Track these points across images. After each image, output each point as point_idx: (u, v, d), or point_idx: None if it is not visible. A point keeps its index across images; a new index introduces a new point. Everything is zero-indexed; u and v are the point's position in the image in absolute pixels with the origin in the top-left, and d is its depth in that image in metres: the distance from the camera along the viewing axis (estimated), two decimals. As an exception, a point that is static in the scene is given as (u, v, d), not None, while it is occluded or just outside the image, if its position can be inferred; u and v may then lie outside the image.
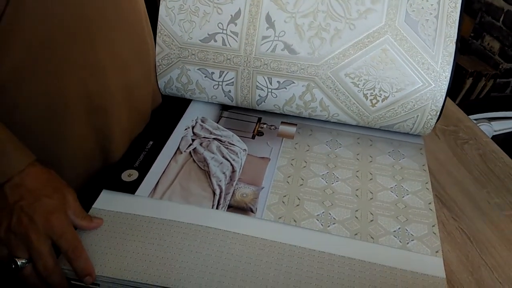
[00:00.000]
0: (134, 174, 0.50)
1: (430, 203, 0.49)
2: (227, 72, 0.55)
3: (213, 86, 0.57)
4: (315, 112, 0.57)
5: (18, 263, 0.37)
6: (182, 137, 0.56)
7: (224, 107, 0.63)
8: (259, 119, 0.61)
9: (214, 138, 0.56)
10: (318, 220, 0.46)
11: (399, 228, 0.46)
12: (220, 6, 0.53)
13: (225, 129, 0.58)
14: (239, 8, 0.53)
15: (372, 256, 0.43)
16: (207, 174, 0.51)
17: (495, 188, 0.55)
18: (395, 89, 0.52)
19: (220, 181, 0.50)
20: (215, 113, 0.61)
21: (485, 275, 0.44)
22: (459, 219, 0.50)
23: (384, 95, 0.52)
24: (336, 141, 0.58)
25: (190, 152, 0.54)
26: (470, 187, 0.55)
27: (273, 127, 0.60)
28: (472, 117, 1.18)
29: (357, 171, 0.53)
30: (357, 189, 0.50)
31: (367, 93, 0.53)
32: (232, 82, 0.56)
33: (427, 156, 0.57)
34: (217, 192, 0.49)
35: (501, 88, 1.74)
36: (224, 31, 0.53)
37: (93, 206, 0.45)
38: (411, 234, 0.45)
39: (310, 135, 0.58)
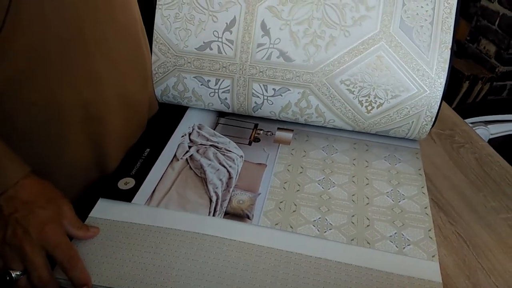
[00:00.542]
0: (131, 182, 0.50)
1: (426, 208, 0.49)
2: (223, 80, 0.56)
3: (209, 94, 0.58)
4: (311, 118, 0.57)
5: (13, 275, 0.37)
6: (179, 144, 0.56)
7: (220, 114, 0.63)
8: (256, 125, 0.61)
9: (210, 145, 0.56)
10: (314, 226, 0.46)
11: (395, 233, 0.46)
12: (215, 14, 0.53)
13: (222, 136, 0.58)
14: (234, 16, 0.53)
15: (368, 261, 0.43)
16: (204, 181, 0.51)
17: (492, 192, 0.55)
18: (390, 95, 0.52)
19: (216, 188, 0.50)
20: (211, 120, 0.62)
21: (482, 279, 0.44)
22: (455, 223, 0.50)
23: (379, 102, 0.53)
24: (333, 146, 0.58)
25: (186, 159, 0.54)
26: (466, 191, 0.55)
27: (269, 133, 0.60)
28: (469, 120, 1.18)
29: (354, 176, 0.53)
30: (353, 194, 0.50)
31: (362, 100, 0.53)
32: (228, 89, 0.56)
33: (423, 160, 0.57)
34: (214, 199, 0.49)
35: (497, 91, 1.75)
36: (220, 39, 0.54)
37: (90, 215, 0.45)
38: (408, 239, 0.45)
39: (307, 141, 0.59)
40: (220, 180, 0.51)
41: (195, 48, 0.55)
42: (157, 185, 0.50)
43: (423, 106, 0.52)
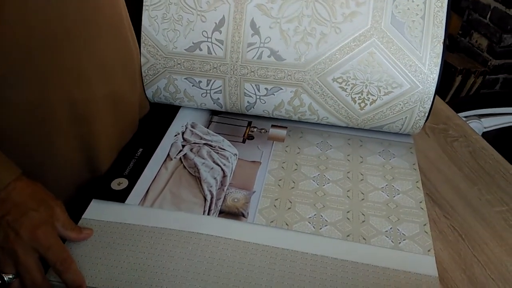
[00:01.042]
0: (124, 182, 0.49)
1: (421, 202, 0.49)
2: (214, 81, 0.55)
3: (201, 94, 0.57)
4: (304, 116, 0.57)
5: (5, 279, 0.36)
6: (172, 144, 0.56)
7: (214, 112, 0.62)
8: (249, 123, 0.61)
9: (204, 144, 0.56)
10: (310, 223, 0.46)
11: (390, 228, 0.46)
12: (203, 14, 0.52)
13: (216, 134, 0.58)
14: (223, 15, 0.52)
15: (364, 257, 0.42)
16: (198, 180, 0.51)
17: (486, 185, 0.55)
18: (383, 92, 0.52)
19: (211, 186, 0.50)
20: (205, 118, 0.61)
21: (477, 272, 0.44)
22: (450, 217, 0.50)
23: (372, 99, 0.52)
24: (327, 142, 0.58)
25: (180, 159, 0.53)
26: (461, 184, 0.55)
27: (263, 130, 0.60)
28: (462, 114, 1.19)
29: (348, 172, 0.53)
30: (348, 190, 0.50)
31: (355, 97, 0.53)
32: (220, 90, 0.56)
33: (417, 154, 0.57)
34: (208, 198, 0.48)
35: (490, 85, 1.76)
36: (209, 39, 0.53)
37: (83, 216, 0.45)
38: (403, 234, 0.45)
39: (301, 138, 0.58)
40: (215, 178, 0.51)
41: (185, 49, 0.54)
42: (150, 185, 0.49)
43: (416, 102, 0.52)
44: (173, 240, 0.43)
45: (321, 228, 0.45)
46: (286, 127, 0.60)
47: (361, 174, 0.53)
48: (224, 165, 0.53)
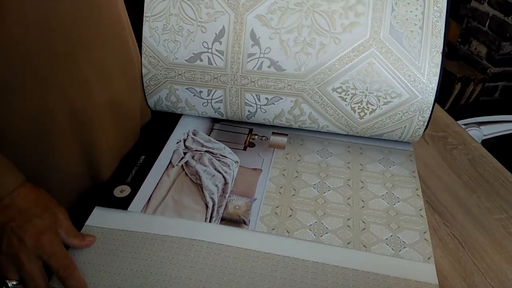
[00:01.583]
0: (127, 189, 0.50)
1: (421, 210, 0.50)
2: (215, 91, 0.56)
3: (202, 104, 0.58)
4: (305, 125, 0.58)
5: (9, 285, 0.37)
6: (174, 151, 0.56)
7: (215, 120, 0.63)
8: (251, 131, 0.61)
9: (206, 151, 0.57)
10: (310, 230, 0.46)
11: (391, 236, 0.46)
12: (204, 25, 0.53)
13: (217, 142, 0.59)
14: (223, 26, 0.53)
15: (365, 264, 0.43)
16: (200, 187, 0.51)
17: (485, 193, 0.55)
18: (382, 102, 0.52)
19: (212, 194, 0.50)
20: (206, 126, 0.62)
21: (477, 280, 0.44)
22: (450, 225, 0.50)
23: (372, 108, 0.53)
24: (327, 150, 0.58)
25: (182, 166, 0.54)
26: (460, 192, 0.55)
27: (264, 138, 0.60)
28: (462, 122, 1.19)
29: (349, 180, 0.53)
30: (348, 198, 0.51)
31: (355, 107, 0.53)
32: (221, 99, 0.56)
33: (417, 162, 0.57)
34: (210, 205, 0.49)
35: (489, 92, 1.77)
36: (210, 50, 0.53)
37: (86, 223, 0.45)
38: (403, 242, 0.45)
39: (301, 145, 0.59)
40: (216, 186, 0.51)
41: (185, 60, 0.54)
42: (153, 192, 0.50)
43: (415, 112, 0.52)
44: (175, 247, 0.43)
45: (321, 236, 0.46)
46: (287, 135, 0.61)
47: (361, 181, 0.53)
48: (226, 172, 0.53)
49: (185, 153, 0.56)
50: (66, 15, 0.41)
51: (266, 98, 0.55)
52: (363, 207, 0.49)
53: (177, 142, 0.58)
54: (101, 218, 0.46)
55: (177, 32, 0.53)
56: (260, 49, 0.52)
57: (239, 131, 0.61)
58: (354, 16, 0.51)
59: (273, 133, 0.61)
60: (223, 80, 0.54)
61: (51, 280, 0.39)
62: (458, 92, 1.73)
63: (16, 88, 0.39)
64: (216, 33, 0.53)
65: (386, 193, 0.52)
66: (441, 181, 0.57)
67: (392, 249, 0.45)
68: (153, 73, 0.56)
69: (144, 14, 0.54)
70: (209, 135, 0.60)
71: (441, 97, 1.74)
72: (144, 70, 0.56)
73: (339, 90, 0.52)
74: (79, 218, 0.45)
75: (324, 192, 0.51)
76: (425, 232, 0.47)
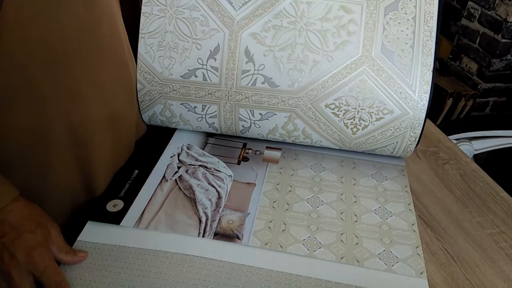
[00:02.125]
0: (120, 204, 0.49)
1: (413, 224, 0.50)
2: (210, 106, 0.56)
3: (196, 119, 0.58)
4: (298, 140, 0.58)
5: (0, 301, 0.36)
6: (168, 165, 0.56)
7: (209, 134, 0.63)
8: (244, 145, 0.62)
9: (200, 165, 0.57)
10: (304, 245, 0.46)
11: (383, 251, 0.46)
12: (199, 42, 0.54)
13: (211, 156, 0.59)
14: (218, 43, 0.54)
15: (358, 279, 0.43)
16: (193, 201, 0.51)
17: (477, 207, 0.56)
18: (375, 118, 0.53)
19: (206, 208, 0.50)
20: (200, 140, 0.62)
21: (470, 295, 0.44)
22: (442, 239, 0.51)
23: (364, 124, 0.54)
24: (321, 164, 0.59)
25: (176, 180, 0.54)
26: (452, 207, 0.56)
27: (258, 152, 0.61)
28: (453, 137, 1.21)
29: (342, 194, 0.54)
30: (341, 212, 0.51)
31: (348, 122, 0.54)
32: (215, 115, 0.57)
33: (409, 177, 0.58)
34: (203, 219, 0.49)
35: (480, 108, 1.80)
36: (204, 66, 0.54)
37: (78, 238, 0.45)
38: (396, 256, 0.46)
39: (295, 159, 0.59)
40: (210, 200, 0.51)
41: (180, 76, 0.55)
42: (146, 206, 0.49)
43: (406, 128, 0.53)
44: (168, 262, 0.43)
45: (315, 251, 0.46)
46: (281, 149, 0.61)
47: (354, 196, 0.53)
48: (219, 186, 0.54)
49: (179, 167, 0.56)
50: (68, 38, 0.42)
51: (260, 114, 0.55)
52: (356, 221, 0.50)
53: (171, 156, 0.58)
54: (93, 233, 0.46)
55: (172, 48, 0.54)
56: (254, 66, 0.53)
57: (233, 145, 0.62)
58: (347, 34, 0.52)
59: (267, 147, 0.61)
60: (217, 95, 0.55)
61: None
62: (450, 107, 1.75)
63: (14, 103, 0.39)
64: (211, 50, 0.54)
65: (379, 207, 0.52)
66: (433, 195, 0.57)
67: (385, 264, 0.45)
68: (148, 89, 0.56)
69: (140, 31, 0.54)
70: (203, 149, 0.60)
71: (433, 112, 1.76)
72: (139, 86, 0.56)
73: (332, 106, 0.53)
74: (72, 233, 0.45)
75: (318, 207, 0.51)
76: (417, 247, 0.47)
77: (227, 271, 0.43)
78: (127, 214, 0.48)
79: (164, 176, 0.54)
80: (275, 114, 0.55)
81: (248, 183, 0.55)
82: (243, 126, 0.58)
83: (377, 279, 0.43)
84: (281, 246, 0.46)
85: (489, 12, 1.63)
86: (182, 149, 0.59)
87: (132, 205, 0.49)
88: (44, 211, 0.41)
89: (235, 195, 0.52)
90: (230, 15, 0.53)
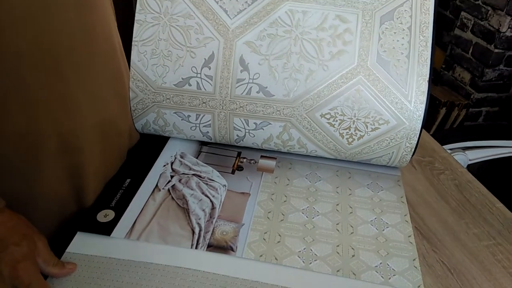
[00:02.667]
0: (110, 214, 0.48)
1: (409, 236, 0.49)
2: (204, 115, 0.55)
3: (190, 128, 0.57)
4: (293, 149, 0.58)
5: (-17, 317, 0.35)
6: (161, 174, 0.55)
7: (203, 142, 0.62)
8: (239, 154, 0.61)
9: (193, 174, 0.56)
10: (299, 257, 0.45)
11: (380, 263, 0.45)
12: (193, 50, 0.53)
13: (205, 165, 0.58)
14: (213, 52, 0.53)
15: (354, 293, 0.42)
16: (186, 211, 0.50)
17: (473, 219, 0.55)
18: (370, 128, 0.52)
19: (199, 219, 0.49)
20: (194, 149, 0.61)
21: (467, 309, 0.43)
22: (439, 251, 0.50)
23: (360, 134, 0.53)
24: (316, 174, 0.58)
25: (168, 190, 0.53)
26: (448, 218, 0.55)
27: (253, 161, 0.60)
28: (447, 146, 1.21)
29: (337, 205, 0.53)
30: (337, 223, 0.50)
31: (343, 132, 0.53)
32: (209, 124, 0.56)
33: (404, 187, 0.57)
34: (196, 230, 0.48)
35: (473, 117, 1.81)
36: (198, 75, 0.53)
37: (67, 250, 0.44)
38: (393, 269, 0.45)
39: (290, 169, 0.59)
40: (203, 210, 0.50)
41: (174, 84, 0.54)
42: (137, 217, 0.48)
43: (402, 138, 0.53)
44: (159, 275, 0.42)
45: (310, 263, 0.45)
46: (276, 158, 0.60)
47: (350, 206, 0.53)
48: (213, 196, 0.53)
49: (172, 176, 0.55)
50: (60, 43, 0.41)
51: (255, 123, 0.55)
52: (352, 233, 0.49)
53: (164, 165, 0.57)
54: (82, 244, 0.44)
55: (166, 56, 0.53)
56: (249, 75, 0.52)
57: (228, 154, 0.61)
58: (342, 44, 0.52)
59: (261, 156, 0.61)
60: (211, 104, 0.54)
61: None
62: (443, 116, 1.76)
63: (4, 108, 0.39)
64: (205, 58, 0.53)
65: (375, 218, 0.51)
66: (429, 206, 0.57)
67: (381, 277, 0.44)
68: (141, 97, 0.55)
69: (133, 39, 0.54)
70: (197, 158, 0.59)
71: (426, 122, 1.76)
72: (131, 94, 0.55)
73: (328, 116, 0.52)
74: (60, 244, 0.43)
75: (313, 217, 0.51)
76: (414, 260, 0.46)
77: (220, 284, 0.42)
78: (118, 225, 0.47)
79: (156, 185, 0.53)
80: (270, 123, 0.54)
81: (243, 192, 0.54)
82: (237, 135, 0.57)
83: (374, 292, 0.42)
84: (276, 258, 0.45)
85: (482, 22, 1.65)
86: (175, 158, 0.58)
87: (123, 215, 0.48)
88: (30, 223, 0.40)
89: (229, 205, 0.51)
90: (225, 23, 0.53)
